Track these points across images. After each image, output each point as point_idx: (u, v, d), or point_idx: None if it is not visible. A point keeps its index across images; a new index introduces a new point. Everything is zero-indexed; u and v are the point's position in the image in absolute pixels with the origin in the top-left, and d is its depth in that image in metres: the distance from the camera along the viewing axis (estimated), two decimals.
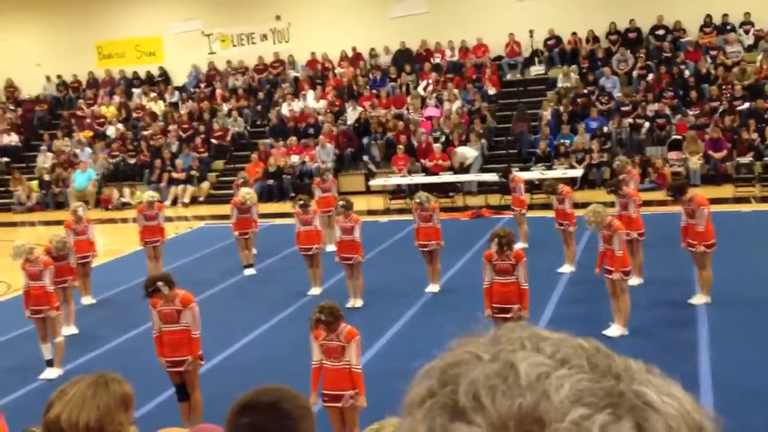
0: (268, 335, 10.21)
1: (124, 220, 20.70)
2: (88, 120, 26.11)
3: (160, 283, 7.29)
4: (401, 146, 20.89)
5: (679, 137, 19.54)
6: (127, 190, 23.12)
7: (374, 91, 23.63)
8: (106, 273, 13.97)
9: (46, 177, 23.89)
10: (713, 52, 21.77)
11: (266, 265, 13.86)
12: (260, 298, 11.96)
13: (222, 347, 9.52)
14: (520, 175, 14.68)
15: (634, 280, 10.42)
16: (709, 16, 22.32)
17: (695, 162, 18.81)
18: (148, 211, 13.14)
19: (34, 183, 24.04)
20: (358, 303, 10.94)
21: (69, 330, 10.67)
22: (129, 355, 9.60)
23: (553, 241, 12.46)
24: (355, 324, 6.95)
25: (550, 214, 12.76)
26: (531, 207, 17.67)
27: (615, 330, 8.99)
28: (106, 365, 8.43)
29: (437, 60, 24.11)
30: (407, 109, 22.69)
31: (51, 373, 9.21)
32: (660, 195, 17.43)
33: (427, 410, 0.69)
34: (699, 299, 9.87)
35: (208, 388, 7.62)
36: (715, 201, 16.24)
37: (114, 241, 17.88)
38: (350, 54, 25.16)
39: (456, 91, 22.57)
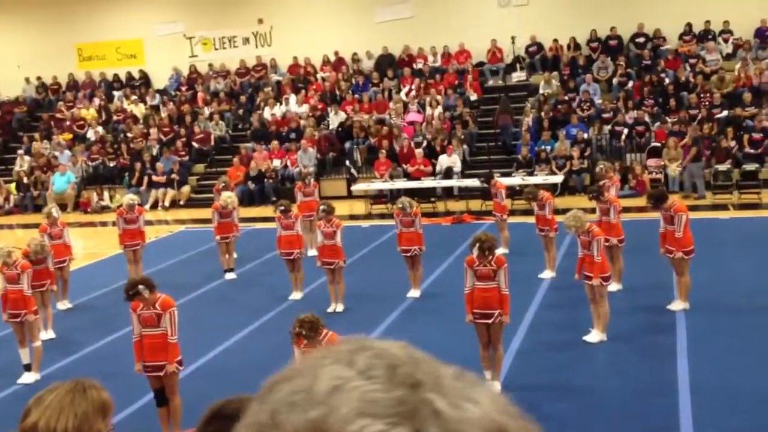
0: (249, 340, 10.17)
1: (104, 224, 20.55)
2: (68, 122, 25.92)
3: (140, 287, 7.25)
4: (383, 151, 20.92)
5: (658, 144, 19.71)
6: (106, 194, 22.96)
7: (356, 96, 23.64)
8: (85, 276, 13.86)
9: (25, 180, 23.68)
10: (692, 60, 21.99)
11: (247, 270, 13.81)
12: (241, 302, 11.91)
13: (202, 351, 9.48)
14: (502, 181, 14.73)
15: (614, 286, 10.49)
16: (688, 24, 22.55)
17: (674, 169, 18.97)
18: (128, 214, 13.06)
19: (12, 186, 23.82)
20: (340, 308, 10.92)
21: (47, 334, 10.57)
22: (107, 359, 9.53)
23: (534, 246, 12.52)
24: (336, 329, 6.94)
25: (532, 219, 12.82)
26: (512, 213, 17.74)
27: (594, 336, 9.04)
28: (84, 370, 8.38)
29: (420, 65, 24.17)
30: (389, 114, 22.72)
31: (29, 377, 9.12)
32: (639, 201, 17.58)
33: (243, 429, 0.71)
34: (677, 305, 9.95)
35: (188, 393, 7.57)
36: (693, 208, 16.41)
37: (93, 245, 17.75)
38: (333, 58, 25.17)
39: (439, 97, 22.63)
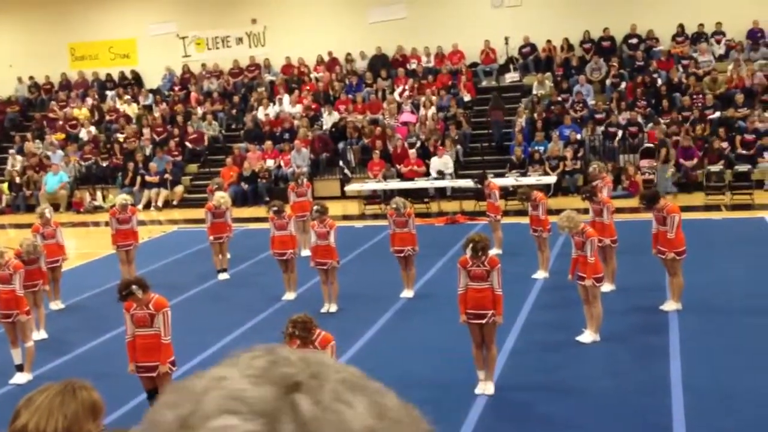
0: (242, 340, 10.15)
1: (96, 224, 20.50)
2: (61, 122, 25.84)
3: (134, 287, 7.23)
4: (377, 152, 20.92)
5: (650, 145, 19.76)
6: (99, 194, 22.90)
7: (350, 96, 23.64)
8: (78, 277, 13.82)
9: (17, 179, 23.60)
10: (685, 62, 22.05)
11: (240, 270, 13.79)
12: (234, 302, 11.89)
13: (195, 352, 9.45)
14: (496, 182, 14.74)
15: (607, 287, 10.51)
16: (681, 25, 22.62)
17: (667, 170, 19.01)
18: (121, 214, 13.03)
19: (5, 185, 23.73)
20: (333, 308, 10.92)
21: (39, 335, 10.54)
22: (100, 360, 9.50)
23: (527, 247, 12.54)
24: (329, 329, 6.94)
25: (525, 220, 12.85)
26: (506, 213, 17.77)
27: (587, 336, 9.06)
28: (77, 370, 8.35)
29: (413, 66, 24.18)
30: (383, 114, 22.72)
31: (21, 378, 9.08)
32: (632, 202, 17.62)
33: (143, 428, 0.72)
34: (670, 306, 9.98)
35: None
36: (685, 209, 16.45)
37: (86, 245, 17.70)
38: (326, 58, 25.16)
39: (434, 97, 22.64)
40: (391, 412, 0.70)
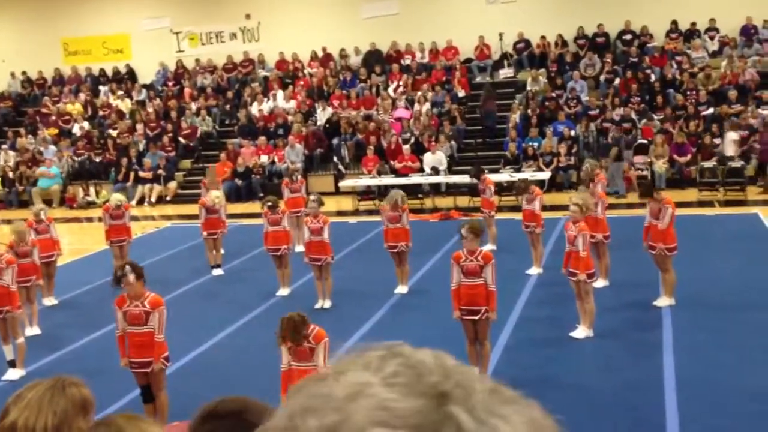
0: (236, 336, 10.14)
1: (89, 219, 20.44)
2: (54, 117, 25.76)
3: (127, 268, 7.19)
4: (371, 147, 20.90)
5: (644, 141, 19.79)
6: (92, 189, 22.84)
7: (344, 92, 23.61)
8: (71, 272, 13.79)
9: (10, 175, 23.52)
10: (679, 58, 22.08)
11: (234, 266, 13.77)
12: (228, 298, 11.88)
13: (189, 348, 9.44)
14: (491, 177, 14.74)
15: (600, 282, 10.53)
16: (674, 22, 22.65)
17: (660, 166, 19.06)
18: (114, 210, 13.01)
19: None
20: (327, 304, 10.91)
21: (32, 330, 10.52)
22: (93, 356, 9.48)
23: (521, 243, 12.54)
24: (323, 325, 6.93)
25: (519, 216, 12.84)
26: (500, 209, 17.79)
27: (581, 332, 9.08)
28: (70, 366, 8.33)
29: (407, 61, 24.16)
30: (377, 110, 22.70)
31: (13, 374, 9.06)
32: (625, 198, 17.66)
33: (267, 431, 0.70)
34: (663, 301, 10.00)
35: (175, 389, 7.55)
36: (679, 204, 16.47)
37: (79, 240, 17.65)
38: (320, 54, 25.12)
39: (430, 93, 22.63)
40: (542, 426, 0.68)
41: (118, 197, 13.53)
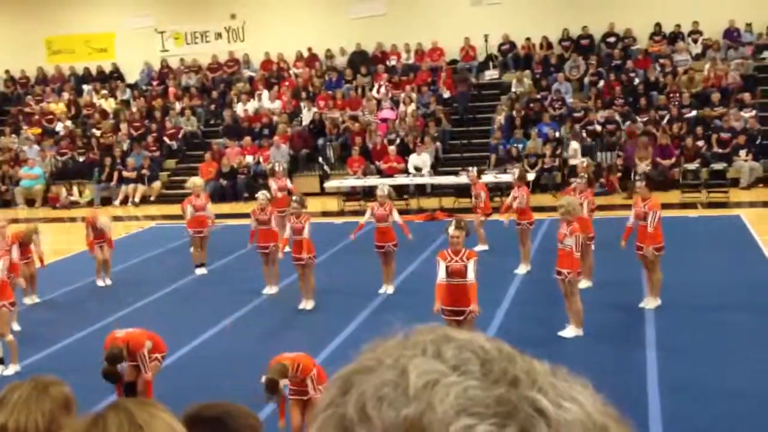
0: (222, 335, 10.10)
1: (73, 219, 20.30)
2: (37, 116, 25.58)
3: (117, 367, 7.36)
4: (356, 148, 20.90)
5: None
6: (75, 189, 22.70)
7: (330, 93, 23.60)
8: (53, 272, 13.68)
9: None
10: (662, 60, 22.23)
11: (219, 266, 13.72)
12: (213, 298, 11.83)
13: (173, 348, 9.40)
14: (482, 182, 14.46)
15: (584, 283, 10.58)
16: (658, 24, 22.80)
17: (643, 167, 19.16)
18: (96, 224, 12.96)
19: None
20: (309, 305, 10.86)
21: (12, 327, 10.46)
22: (75, 355, 9.42)
23: (508, 242, 12.57)
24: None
25: (503, 217, 12.86)
26: None
27: (570, 331, 9.11)
28: (52, 366, 8.26)
29: (393, 62, 24.18)
30: (362, 111, 22.70)
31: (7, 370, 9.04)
32: (608, 200, 17.76)
33: (323, 421, 0.68)
34: (650, 303, 10.02)
35: (159, 389, 7.52)
36: (662, 206, 16.58)
37: (61, 240, 17.53)
38: (306, 54, 25.09)
39: (413, 94, 22.66)
40: (600, 403, 0.68)
41: (106, 222, 13.33)
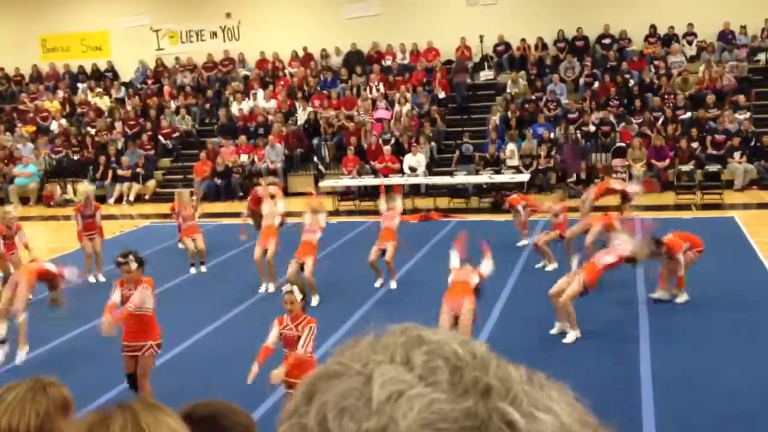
0: (217, 335, 10.09)
1: (67, 218, 20.21)
2: (31, 114, 25.52)
3: (130, 257, 7.30)
4: (351, 148, 20.90)
5: (623, 144, 19.96)
6: (70, 187, 22.65)
7: (325, 92, 23.60)
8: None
9: None
10: (657, 62, 22.28)
11: (214, 265, 13.71)
12: (209, 296, 11.81)
13: (169, 346, 9.38)
14: (516, 197, 14.03)
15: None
16: (653, 26, 22.85)
17: (638, 169, 19.23)
18: (84, 208, 12.95)
19: None
20: (314, 301, 10.85)
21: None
22: (67, 355, 9.40)
23: (503, 245, 12.59)
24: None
25: (500, 217, 12.90)
26: (479, 210, 17.88)
27: (571, 336, 9.09)
28: (45, 365, 8.23)
29: (388, 62, 24.19)
30: (357, 110, 22.70)
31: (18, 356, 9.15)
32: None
33: (284, 431, 0.64)
34: (682, 297, 10.26)
35: (155, 388, 7.51)
36: (657, 208, 16.65)
37: (56, 239, 17.49)
38: (301, 54, 25.09)
39: (408, 94, 22.68)
40: (579, 410, 0.65)
41: (85, 189, 13.39)
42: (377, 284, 11.58)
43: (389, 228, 11.70)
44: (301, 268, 10.87)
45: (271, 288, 11.65)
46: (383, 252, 11.51)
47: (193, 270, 13.29)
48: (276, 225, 12.08)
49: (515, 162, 19.69)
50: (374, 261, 11.49)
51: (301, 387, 0.66)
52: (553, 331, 9.23)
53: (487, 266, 8.52)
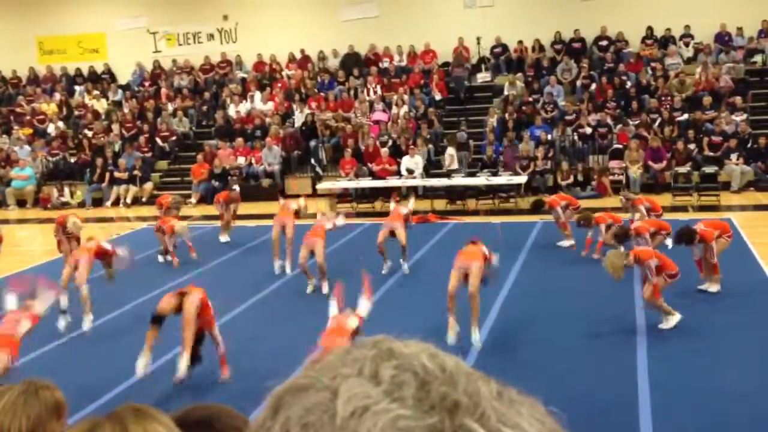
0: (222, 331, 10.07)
1: None
2: (28, 117, 25.50)
3: None
4: (348, 150, 20.90)
5: (620, 146, 19.97)
6: (67, 189, 22.63)
7: (322, 94, 23.60)
8: (45, 273, 13.62)
9: None
10: (654, 64, 22.31)
11: (212, 266, 13.69)
12: (210, 296, 11.78)
13: (164, 350, 9.36)
14: (555, 198, 13.86)
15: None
16: (650, 28, 22.88)
17: (635, 171, 19.25)
18: (69, 229, 13.07)
19: None
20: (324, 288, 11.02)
21: None
22: (60, 357, 9.38)
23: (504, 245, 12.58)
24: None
25: (498, 219, 12.89)
26: (476, 213, 17.88)
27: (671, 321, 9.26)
28: (40, 370, 8.21)
29: (385, 64, 24.20)
30: (355, 112, 22.71)
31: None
32: (600, 202, 17.79)
33: None
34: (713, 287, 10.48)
35: (151, 390, 7.50)
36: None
37: (52, 241, 17.43)
38: (298, 56, 25.09)
39: (405, 96, 22.69)
40: (554, 429, 0.64)
41: (76, 223, 13.37)
42: (384, 270, 11.77)
43: (398, 212, 11.90)
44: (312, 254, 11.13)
45: (288, 268, 11.87)
46: (392, 234, 11.70)
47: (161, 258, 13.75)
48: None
49: (454, 166, 19.86)
50: (382, 242, 11.72)
51: (269, 399, 0.65)
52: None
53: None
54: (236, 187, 16.22)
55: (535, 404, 0.65)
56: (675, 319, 9.25)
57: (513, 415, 0.62)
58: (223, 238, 15.27)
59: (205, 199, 20.44)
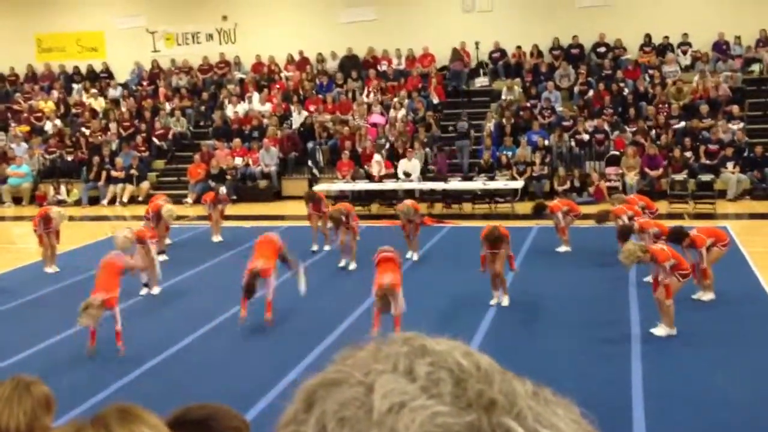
0: (211, 336, 10.08)
1: None
2: (25, 114, 25.47)
3: None
4: (346, 152, 20.91)
5: (617, 153, 20.02)
6: (63, 188, 22.60)
7: (320, 96, 23.62)
8: (39, 271, 13.62)
9: None
10: (651, 71, 22.37)
11: (209, 266, 13.70)
12: (204, 298, 11.80)
13: (161, 348, 9.37)
14: (557, 203, 13.89)
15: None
16: (648, 35, 22.95)
17: (631, 177, 19.29)
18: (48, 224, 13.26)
19: None
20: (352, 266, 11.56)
21: None
22: (58, 355, 9.37)
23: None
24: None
25: (491, 223, 12.89)
26: (472, 216, 17.91)
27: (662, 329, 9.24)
28: (32, 367, 8.20)
29: (384, 67, 24.23)
30: (353, 115, 22.72)
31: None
32: (596, 208, 17.83)
33: None
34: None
35: (147, 390, 7.49)
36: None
37: None
38: (297, 58, 25.11)
39: (404, 99, 22.71)
40: (585, 429, 0.64)
41: (61, 213, 13.72)
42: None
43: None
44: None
45: (327, 247, 13.20)
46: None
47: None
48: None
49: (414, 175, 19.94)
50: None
51: (300, 393, 0.65)
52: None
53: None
54: (223, 189, 16.80)
55: (570, 405, 0.65)
56: (669, 332, 9.23)
57: (549, 415, 0.62)
58: (216, 238, 15.28)
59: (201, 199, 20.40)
